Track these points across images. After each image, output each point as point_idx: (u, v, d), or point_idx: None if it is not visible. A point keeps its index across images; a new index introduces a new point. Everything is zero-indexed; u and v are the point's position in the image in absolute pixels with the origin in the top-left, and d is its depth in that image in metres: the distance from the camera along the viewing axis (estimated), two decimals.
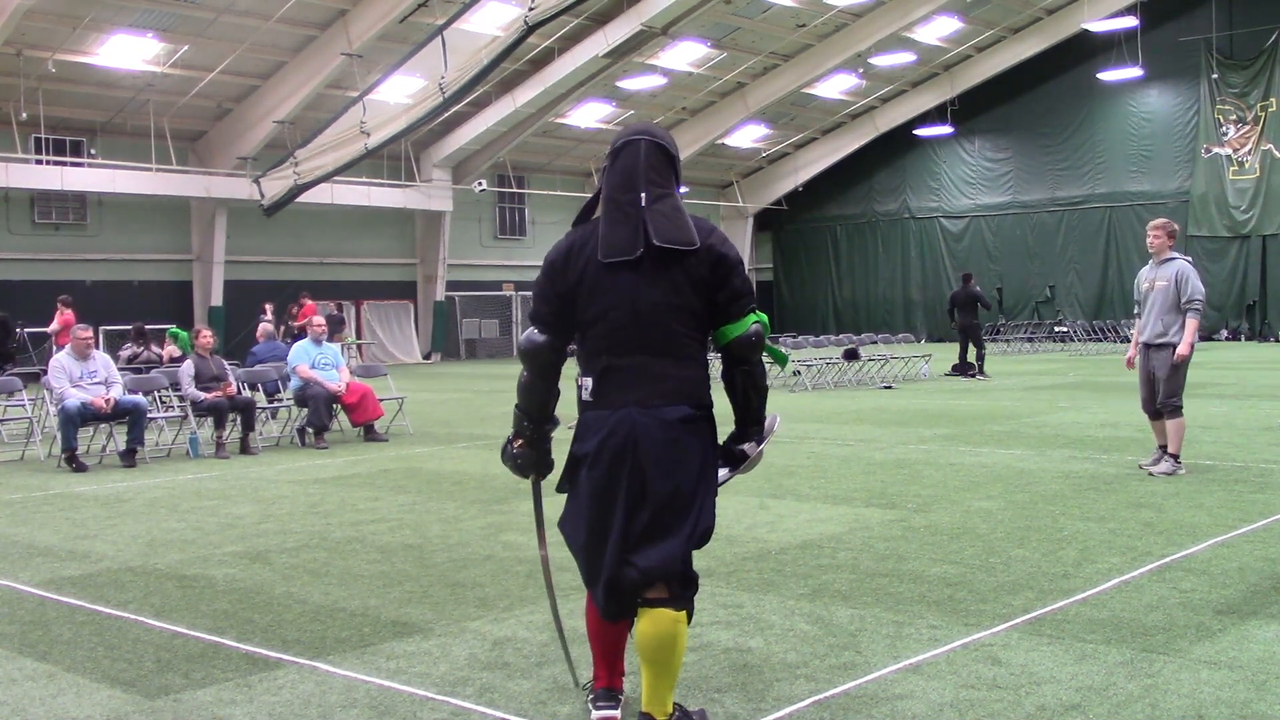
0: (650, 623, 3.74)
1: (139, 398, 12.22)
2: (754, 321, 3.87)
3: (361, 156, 27.15)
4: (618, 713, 4.04)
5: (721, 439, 3.99)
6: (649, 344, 3.76)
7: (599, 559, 3.81)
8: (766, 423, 4.04)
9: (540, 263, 3.99)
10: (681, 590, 3.79)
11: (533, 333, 3.94)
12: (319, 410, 13.03)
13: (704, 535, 3.83)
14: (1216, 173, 35.57)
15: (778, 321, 43.15)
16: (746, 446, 4.00)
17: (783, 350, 4.35)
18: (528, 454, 4.06)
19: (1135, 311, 9.46)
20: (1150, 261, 9.34)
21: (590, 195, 3.94)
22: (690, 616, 3.84)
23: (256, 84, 28.90)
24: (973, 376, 21.06)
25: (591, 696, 4.09)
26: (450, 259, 35.95)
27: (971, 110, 38.76)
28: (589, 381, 3.82)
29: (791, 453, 11.06)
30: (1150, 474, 8.99)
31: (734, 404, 3.99)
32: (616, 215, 3.78)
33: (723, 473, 4.02)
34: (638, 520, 3.74)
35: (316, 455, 12.29)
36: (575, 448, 3.88)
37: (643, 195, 3.77)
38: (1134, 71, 33.83)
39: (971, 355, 21.56)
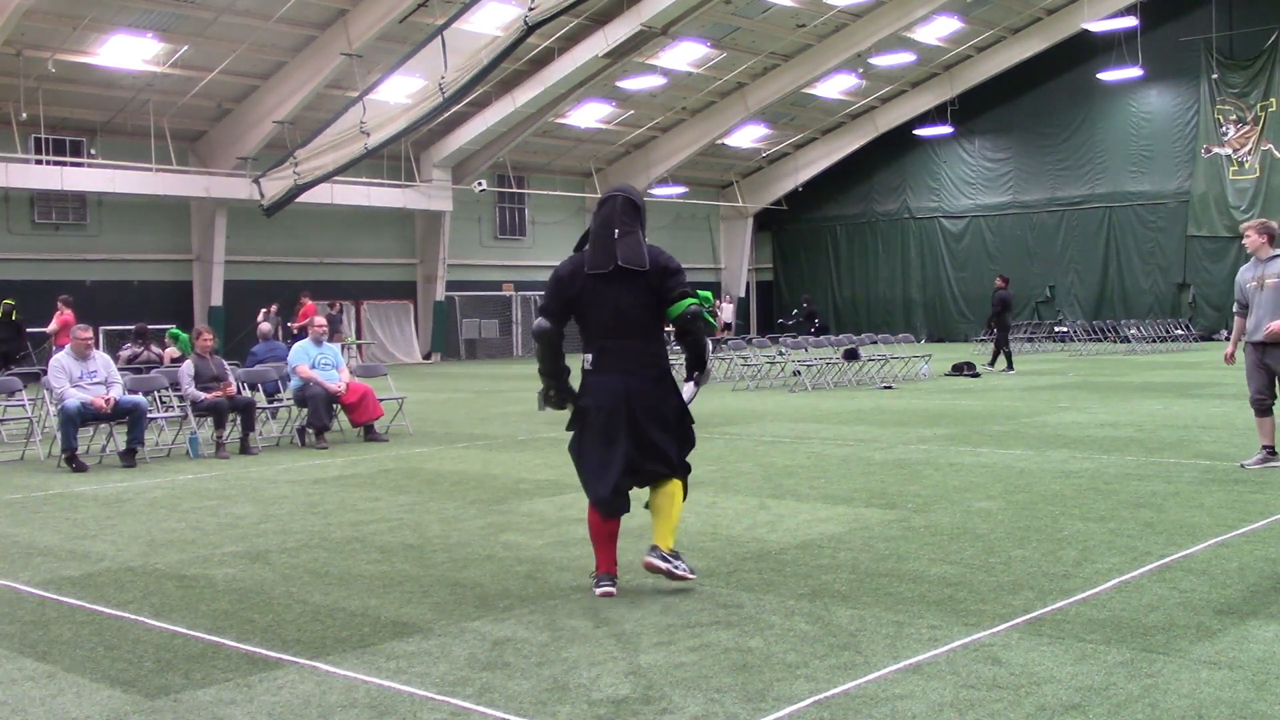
0: (657, 489, 5.73)
1: (139, 398, 12.22)
2: (691, 303, 5.67)
3: (361, 156, 27.15)
4: (615, 589, 5.69)
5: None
6: (627, 331, 5.68)
7: (604, 472, 5.62)
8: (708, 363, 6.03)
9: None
10: (677, 471, 5.75)
11: (542, 321, 5.75)
12: (319, 410, 13.03)
13: (691, 444, 5.91)
14: (1216, 173, 35.56)
15: (777, 322, 43.17)
16: (696, 376, 5.94)
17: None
18: (561, 396, 5.91)
19: (1235, 310, 9.60)
20: (1251, 260, 9.48)
21: (585, 230, 5.87)
22: (685, 490, 5.83)
23: (256, 84, 28.90)
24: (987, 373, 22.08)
25: (594, 581, 5.76)
26: (450, 259, 35.95)
27: (971, 110, 38.76)
28: (589, 357, 5.74)
29: (791, 453, 11.06)
30: (1243, 466, 9.30)
31: (686, 357, 5.97)
32: (598, 244, 5.72)
33: (688, 389, 5.96)
34: (644, 442, 5.64)
35: (316, 455, 12.29)
36: (583, 400, 5.77)
37: (616, 231, 5.68)
38: (1134, 71, 33.82)
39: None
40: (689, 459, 5.92)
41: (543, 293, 5.91)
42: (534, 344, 5.90)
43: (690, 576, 5.73)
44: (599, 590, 5.66)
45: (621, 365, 5.63)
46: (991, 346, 23.82)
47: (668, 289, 5.64)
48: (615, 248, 5.61)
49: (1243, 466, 9.33)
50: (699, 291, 6.08)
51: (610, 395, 5.60)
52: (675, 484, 5.71)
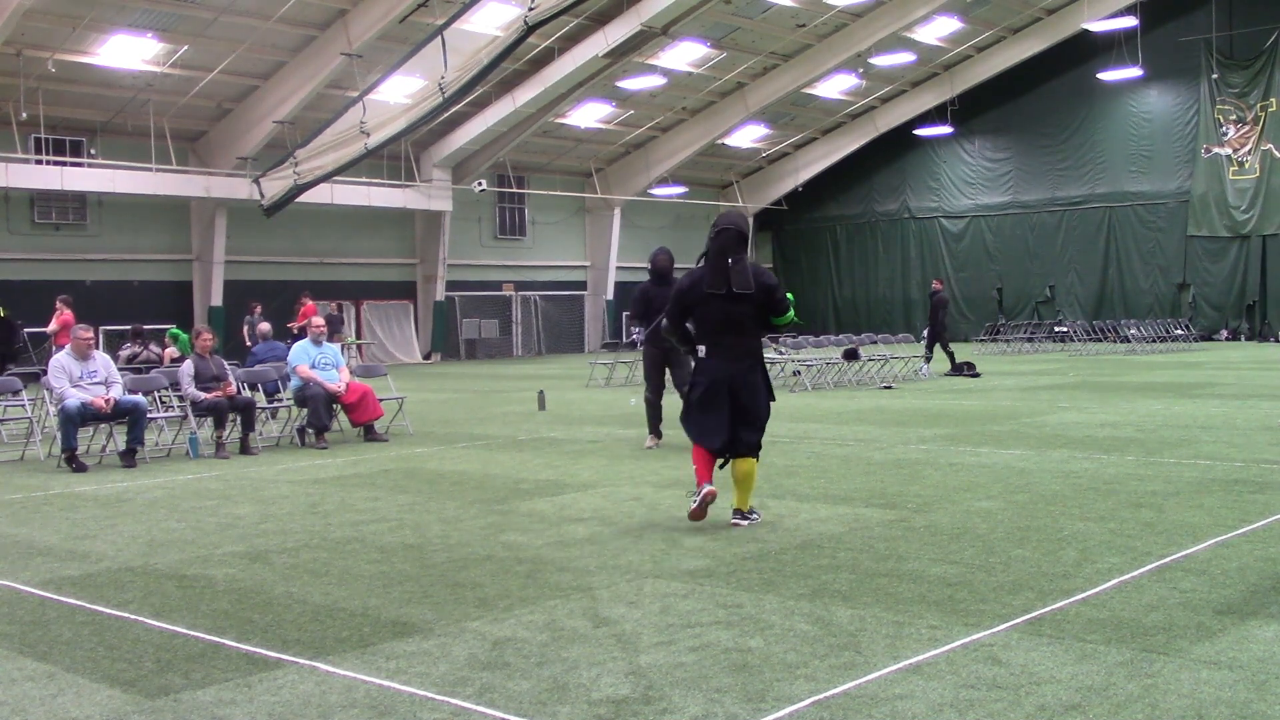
0: (740, 464, 7.45)
1: (139, 398, 12.21)
2: (792, 316, 7.62)
3: (361, 156, 27.14)
4: (714, 488, 7.36)
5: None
6: (732, 331, 7.47)
7: (713, 434, 7.41)
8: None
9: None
10: (755, 451, 7.49)
11: (664, 321, 8.00)
12: (319, 410, 13.02)
13: (765, 426, 7.58)
14: (1216, 173, 35.56)
15: None
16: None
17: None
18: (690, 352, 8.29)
19: None
20: None
21: (703, 251, 7.57)
22: (758, 461, 7.50)
23: (256, 84, 28.90)
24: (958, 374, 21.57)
25: (695, 492, 7.44)
26: (450, 259, 35.94)
27: (971, 110, 38.77)
28: (703, 348, 7.68)
29: (791, 453, 11.06)
30: None
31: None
32: (715, 269, 7.44)
33: None
34: (740, 417, 7.40)
35: (316, 455, 12.29)
36: (694, 379, 7.70)
37: (730, 260, 7.40)
38: (1134, 71, 33.83)
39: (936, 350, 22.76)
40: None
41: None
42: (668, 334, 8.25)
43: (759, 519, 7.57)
44: (701, 493, 7.36)
45: (727, 355, 7.47)
46: (942, 352, 22.58)
47: (775, 304, 7.52)
48: (730, 274, 7.36)
49: None
50: (787, 294, 7.76)
51: (718, 376, 7.43)
52: (752, 462, 7.46)
